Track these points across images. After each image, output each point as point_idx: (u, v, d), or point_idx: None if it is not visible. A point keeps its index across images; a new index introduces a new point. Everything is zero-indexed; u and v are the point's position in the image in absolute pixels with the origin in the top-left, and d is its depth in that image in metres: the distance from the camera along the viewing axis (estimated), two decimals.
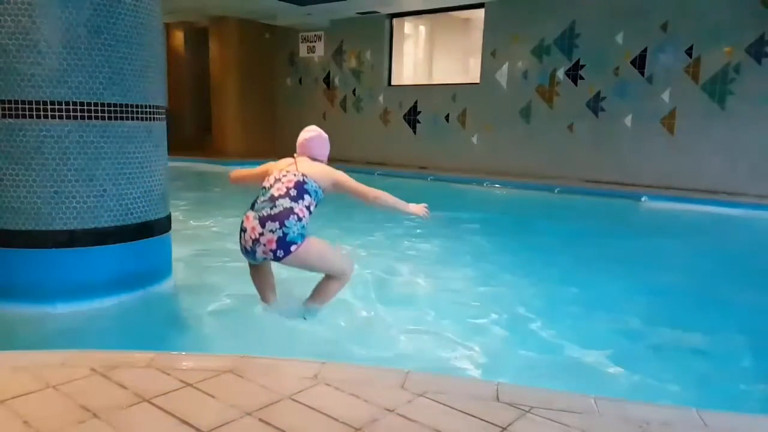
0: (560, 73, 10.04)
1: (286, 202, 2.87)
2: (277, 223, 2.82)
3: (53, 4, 2.90)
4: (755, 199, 7.88)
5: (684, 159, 8.92)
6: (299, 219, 2.86)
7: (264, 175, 3.14)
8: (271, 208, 2.85)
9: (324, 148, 3.21)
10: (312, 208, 2.97)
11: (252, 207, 2.97)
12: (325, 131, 3.26)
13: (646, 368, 2.76)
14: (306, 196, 2.94)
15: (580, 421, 1.73)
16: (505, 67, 10.67)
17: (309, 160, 3.11)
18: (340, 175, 3.09)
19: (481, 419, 1.72)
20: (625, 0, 9.23)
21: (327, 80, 13.47)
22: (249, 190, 3.28)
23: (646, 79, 9.18)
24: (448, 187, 9.79)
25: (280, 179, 2.98)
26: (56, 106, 2.97)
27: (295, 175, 2.98)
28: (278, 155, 3.51)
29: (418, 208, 3.18)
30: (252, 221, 2.89)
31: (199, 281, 3.84)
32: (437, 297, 3.70)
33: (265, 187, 3.02)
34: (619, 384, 2.59)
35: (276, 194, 2.91)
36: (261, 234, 2.83)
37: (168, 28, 14.65)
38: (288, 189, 2.92)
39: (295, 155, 3.16)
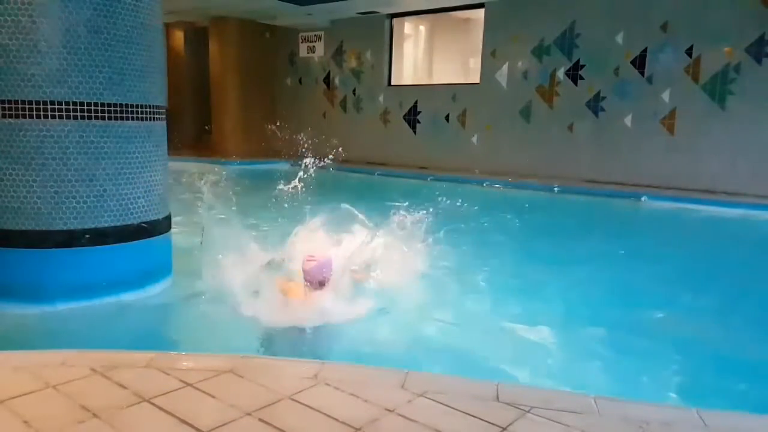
0: (560, 73, 10.04)
1: None
2: None
3: (53, 4, 2.90)
4: (755, 199, 7.88)
5: (684, 159, 8.92)
6: None
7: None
8: None
9: (328, 270, 3.39)
10: None
11: None
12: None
13: (647, 368, 2.76)
14: None
15: (580, 421, 1.73)
16: (505, 67, 10.67)
17: (317, 288, 3.30)
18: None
19: (481, 419, 1.72)
20: (625, 0, 9.23)
21: (327, 80, 13.47)
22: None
23: (646, 79, 9.18)
24: (448, 187, 9.78)
25: None
26: (56, 106, 2.97)
27: None
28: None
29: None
30: None
31: (199, 281, 3.82)
32: (435, 297, 3.70)
33: None
34: (619, 384, 2.59)
35: None
36: None
37: (168, 28, 14.64)
38: None
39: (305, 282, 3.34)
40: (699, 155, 8.79)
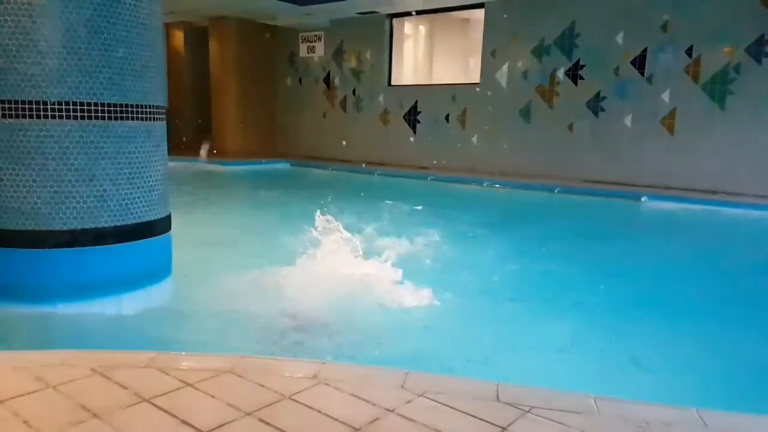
0: (560, 73, 10.04)
1: None
2: None
3: (53, 4, 2.89)
4: (755, 198, 7.88)
5: (684, 159, 8.92)
6: None
7: None
8: None
9: None
10: None
11: None
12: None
13: (646, 368, 2.76)
14: None
15: (580, 421, 1.73)
16: (505, 67, 10.67)
17: None
18: None
19: (481, 419, 1.72)
20: (625, 0, 9.23)
21: (327, 80, 13.47)
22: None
23: (646, 79, 9.18)
24: (448, 187, 9.78)
25: None
26: (56, 106, 2.97)
27: None
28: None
29: None
30: None
31: (199, 281, 3.83)
32: (435, 296, 3.70)
33: None
34: (619, 384, 2.59)
35: None
36: None
37: (168, 28, 14.64)
38: None
39: None
40: (699, 155, 8.79)
